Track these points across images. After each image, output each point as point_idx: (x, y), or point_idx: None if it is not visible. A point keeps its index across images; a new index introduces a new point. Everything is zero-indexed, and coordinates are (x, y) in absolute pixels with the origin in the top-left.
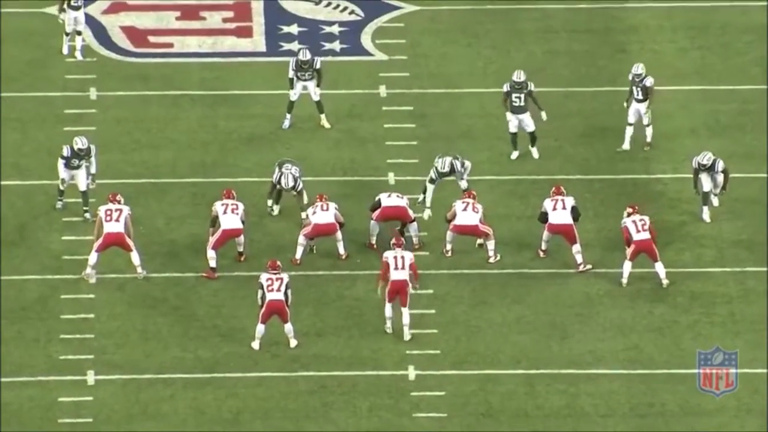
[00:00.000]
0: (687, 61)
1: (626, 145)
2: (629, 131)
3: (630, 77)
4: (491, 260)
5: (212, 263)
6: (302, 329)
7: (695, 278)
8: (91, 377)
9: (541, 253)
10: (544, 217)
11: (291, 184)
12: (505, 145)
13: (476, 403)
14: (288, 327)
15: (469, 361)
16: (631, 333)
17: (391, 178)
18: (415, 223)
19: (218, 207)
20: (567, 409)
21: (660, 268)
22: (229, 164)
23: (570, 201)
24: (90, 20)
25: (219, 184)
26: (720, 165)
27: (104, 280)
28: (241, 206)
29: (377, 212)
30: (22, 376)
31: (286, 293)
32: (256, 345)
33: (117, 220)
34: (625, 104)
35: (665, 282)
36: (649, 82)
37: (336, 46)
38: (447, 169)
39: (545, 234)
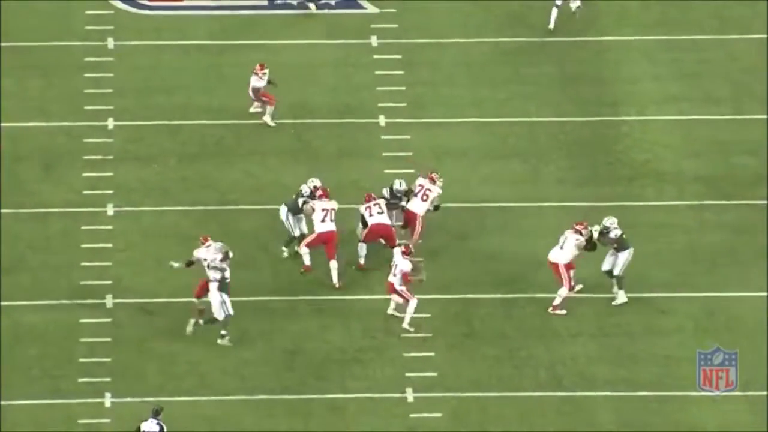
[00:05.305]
0: (651, 13)
1: (551, 24)
2: (555, 12)
3: None
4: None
5: None
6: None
7: (658, 211)
8: (109, 301)
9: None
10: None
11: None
12: (486, 89)
13: (459, 324)
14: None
15: (453, 286)
16: (600, 262)
17: (382, 120)
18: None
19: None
20: (541, 329)
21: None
22: (233, 107)
23: (571, 240)
24: None
25: (226, 126)
26: (614, 232)
27: (121, 213)
28: None
29: (365, 232)
30: (47, 299)
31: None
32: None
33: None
34: None
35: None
36: None
37: None
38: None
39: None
